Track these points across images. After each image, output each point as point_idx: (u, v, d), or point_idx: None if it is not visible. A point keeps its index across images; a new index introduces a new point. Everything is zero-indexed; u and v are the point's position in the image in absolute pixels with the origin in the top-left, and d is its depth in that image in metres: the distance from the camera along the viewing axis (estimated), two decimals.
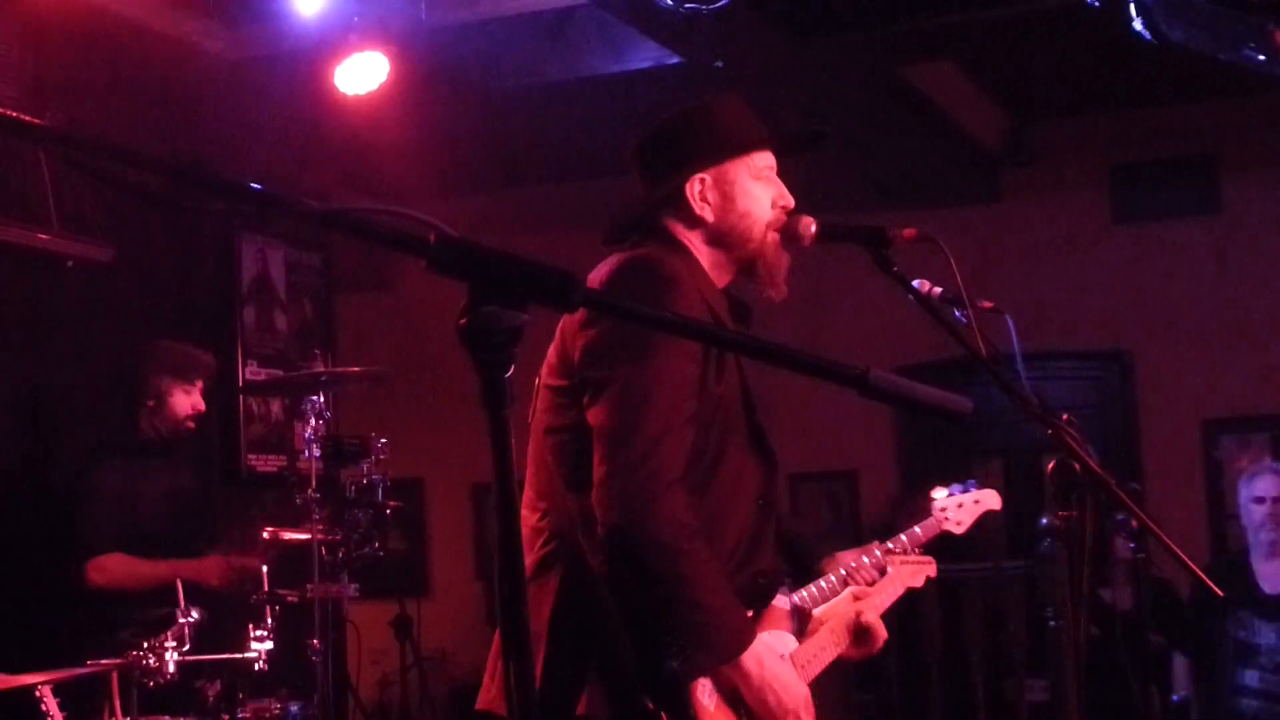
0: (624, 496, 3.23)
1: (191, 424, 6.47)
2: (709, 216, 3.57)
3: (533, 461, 3.50)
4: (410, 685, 9.42)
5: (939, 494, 4.35)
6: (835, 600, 3.75)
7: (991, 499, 4.40)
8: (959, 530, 4.33)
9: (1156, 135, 9.70)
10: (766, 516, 3.54)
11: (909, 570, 3.99)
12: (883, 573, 3.97)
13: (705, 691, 3.33)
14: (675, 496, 3.25)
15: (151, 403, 6.39)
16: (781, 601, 3.59)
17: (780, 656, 3.48)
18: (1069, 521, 4.34)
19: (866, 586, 3.85)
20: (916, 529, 4.22)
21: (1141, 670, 6.51)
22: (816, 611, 3.69)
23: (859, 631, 3.72)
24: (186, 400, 6.43)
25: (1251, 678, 6.87)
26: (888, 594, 3.90)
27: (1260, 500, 7.03)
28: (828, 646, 3.66)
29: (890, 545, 4.09)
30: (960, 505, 4.33)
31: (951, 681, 8.64)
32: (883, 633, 3.76)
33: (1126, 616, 7.18)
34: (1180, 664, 7.53)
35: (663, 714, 3.25)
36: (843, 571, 3.89)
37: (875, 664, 8.07)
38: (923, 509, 4.31)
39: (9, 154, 6.57)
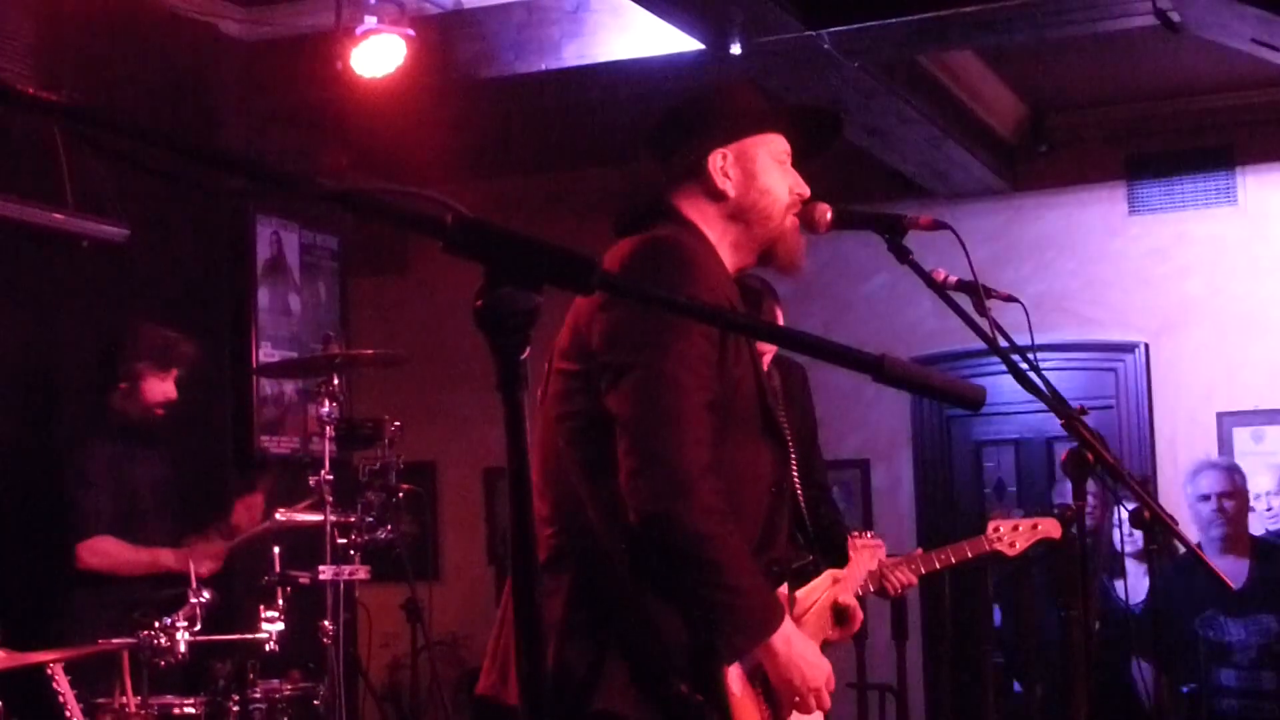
0: (659, 486, 3.21)
1: (161, 410, 6.41)
2: (730, 191, 3.55)
3: (541, 447, 3.45)
4: (421, 668, 9.42)
5: (999, 518, 4.43)
6: (815, 582, 3.78)
7: (1051, 527, 4.46)
8: (1011, 552, 4.41)
9: (1174, 126, 9.67)
10: (780, 503, 3.54)
11: (867, 553, 4.05)
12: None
13: (731, 675, 3.34)
14: (709, 483, 3.24)
15: (125, 385, 6.35)
16: (782, 589, 3.61)
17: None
18: (1081, 512, 4.35)
19: (842, 571, 3.90)
20: (964, 544, 4.29)
21: (1153, 661, 6.50)
22: (799, 593, 3.71)
23: (839, 612, 3.76)
24: (160, 386, 6.37)
25: (1229, 677, 6.84)
26: (855, 577, 3.95)
27: (1206, 498, 7.02)
28: (817, 632, 3.69)
29: (934, 556, 4.16)
30: (1016, 528, 4.41)
31: (963, 670, 8.64)
32: (860, 614, 3.79)
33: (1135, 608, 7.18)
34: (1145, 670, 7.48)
35: (698, 697, 3.25)
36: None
37: (890, 653, 8.09)
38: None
39: (25, 133, 6.58)
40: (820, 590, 3.77)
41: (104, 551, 6.16)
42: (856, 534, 4.11)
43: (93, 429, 6.40)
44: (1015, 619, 7.95)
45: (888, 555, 4.41)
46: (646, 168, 3.72)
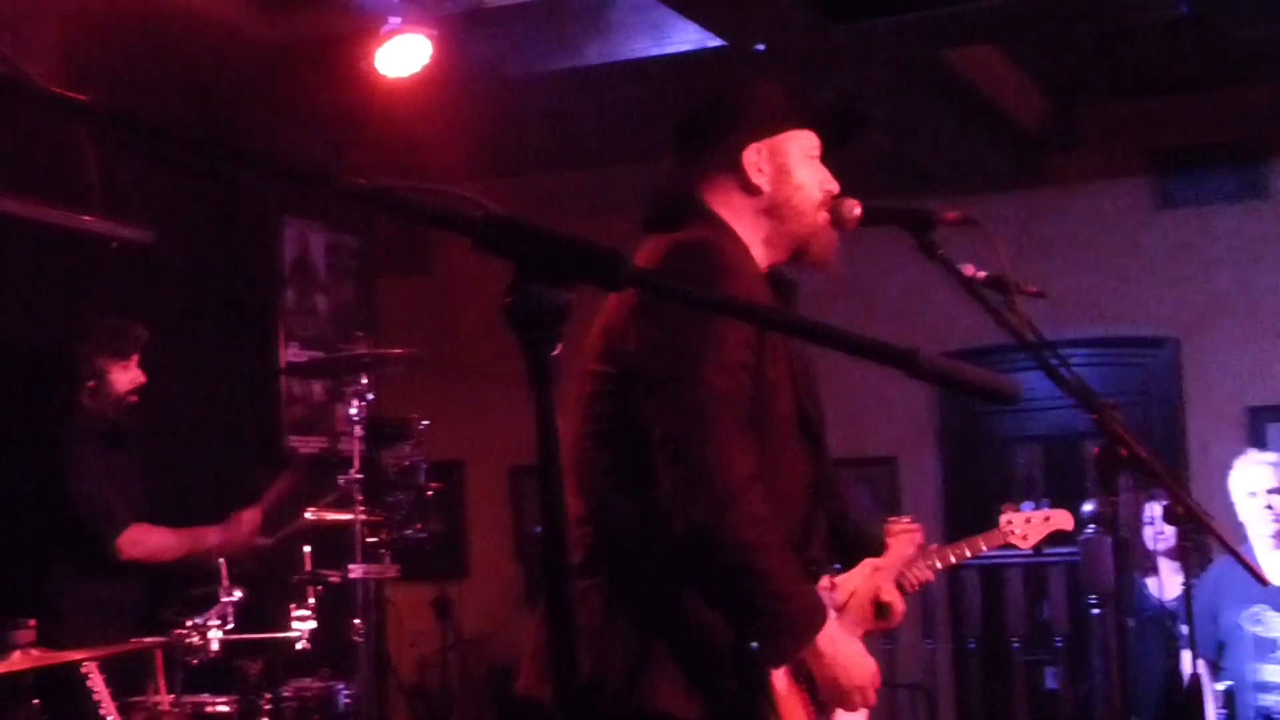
0: (706, 498, 3.20)
1: (134, 398, 6.34)
2: (765, 186, 3.55)
3: (573, 449, 3.42)
4: (450, 666, 9.45)
5: (1010, 511, 4.41)
6: (853, 571, 3.77)
7: (1063, 519, 4.45)
8: (1025, 545, 4.39)
9: (1202, 120, 9.63)
10: (816, 504, 3.53)
11: (905, 538, 4.02)
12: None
13: (776, 672, 3.34)
14: (754, 492, 3.23)
15: (91, 383, 6.26)
16: (823, 582, 3.60)
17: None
18: (1114, 508, 4.34)
19: (881, 560, 3.87)
20: (979, 538, 4.27)
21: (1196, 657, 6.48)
22: (838, 580, 3.70)
23: (879, 607, 3.74)
24: (125, 375, 6.30)
25: (1274, 673, 6.80)
26: (894, 564, 3.92)
27: (1253, 494, 6.96)
28: (858, 623, 3.67)
29: (949, 550, 4.13)
30: (1029, 520, 4.39)
31: (993, 667, 8.63)
32: (901, 606, 3.77)
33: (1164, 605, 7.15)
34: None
35: (748, 694, 3.25)
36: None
37: (919, 649, 8.09)
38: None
39: (53, 136, 6.60)
40: (858, 579, 3.75)
41: (141, 540, 6.14)
42: (893, 520, 4.08)
43: (72, 432, 6.29)
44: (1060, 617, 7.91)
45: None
46: (672, 164, 3.71)
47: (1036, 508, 4.44)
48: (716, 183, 3.58)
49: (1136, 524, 7.54)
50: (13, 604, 4.98)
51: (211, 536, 6.26)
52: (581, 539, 3.35)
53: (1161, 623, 7.23)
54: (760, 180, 3.55)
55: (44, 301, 6.77)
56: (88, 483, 6.15)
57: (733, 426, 3.24)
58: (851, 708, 3.46)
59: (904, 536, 4.00)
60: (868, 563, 3.79)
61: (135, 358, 6.34)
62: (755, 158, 3.55)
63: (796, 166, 3.58)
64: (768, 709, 3.29)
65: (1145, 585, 7.31)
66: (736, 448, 3.23)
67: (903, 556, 3.95)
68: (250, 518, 6.40)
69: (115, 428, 6.37)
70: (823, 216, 3.59)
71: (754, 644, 3.27)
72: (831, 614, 3.45)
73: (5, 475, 6.35)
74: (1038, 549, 4.46)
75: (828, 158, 3.68)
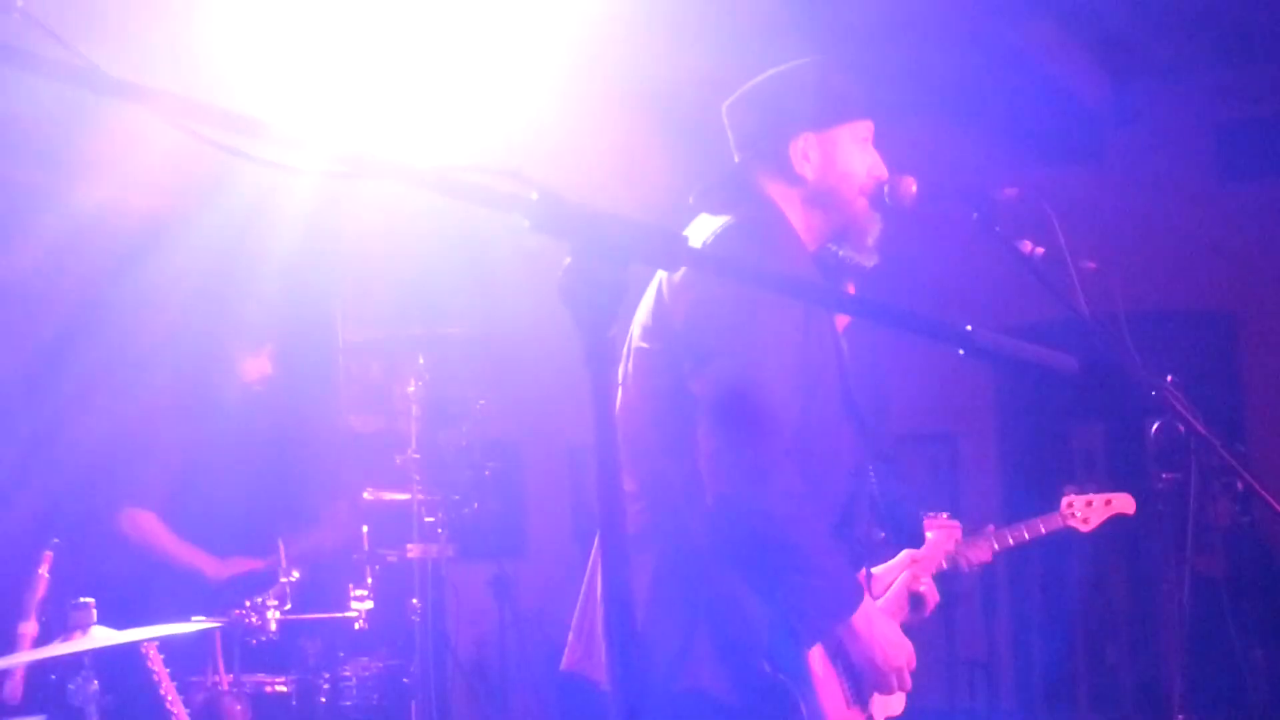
0: (739, 469, 3.22)
1: (259, 387, 6.52)
2: (810, 175, 3.56)
3: (625, 426, 3.44)
4: (508, 645, 9.47)
5: (1072, 493, 4.41)
6: (892, 563, 3.76)
7: (1124, 503, 4.45)
8: (1085, 528, 4.40)
9: (1263, 92, 9.52)
10: (860, 484, 3.53)
11: (943, 534, 4.01)
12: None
13: (813, 655, 3.34)
14: (788, 467, 3.24)
15: (222, 365, 6.45)
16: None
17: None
18: (1173, 485, 4.32)
19: (919, 552, 3.87)
20: (1038, 520, 4.27)
21: (1244, 634, 6.44)
22: (876, 571, 3.70)
23: (914, 598, 3.74)
24: (254, 364, 6.48)
25: None
26: (932, 559, 3.91)
27: None
28: (893, 613, 3.67)
29: (1008, 532, 4.14)
30: (1090, 503, 4.39)
31: (1053, 644, 8.60)
32: (934, 598, 3.77)
33: (1222, 582, 7.10)
34: None
35: (781, 676, 3.25)
36: (930, 536, 3.93)
37: (979, 627, 8.06)
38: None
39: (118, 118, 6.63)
40: (897, 571, 3.76)
41: (139, 526, 6.18)
42: (932, 515, 4.08)
43: (170, 407, 6.42)
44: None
45: (964, 531, 4.40)
46: (725, 144, 3.72)
47: (1099, 491, 4.44)
48: (766, 167, 3.59)
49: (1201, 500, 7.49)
50: (73, 583, 5.02)
51: (206, 566, 6.25)
52: (634, 515, 3.37)
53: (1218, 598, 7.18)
54: (805, 170, 3.56)
55: (108, 279, 6.80)
56: (144, 454, 6.22)
57: (772, 401, 3.26)
58: (889, 691, 3.46)
59: (943, 532, 4.01)
60: (906, 554, 3.80)
61: (269, 349, 6.47)
62: (803, 145, 3.56)
63: (844, 155, 3.58)
64: (802, 692, 3.28)
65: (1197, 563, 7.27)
66: (773, 422, 3.25)
67: (942, 550, 3.96)
68: (246, 568, 6.36)
69: (242, 407, 6.48)
70: (862, 202, 3.59)
71: (785, 625, 3.27)
72: (868, 595, 3.44)
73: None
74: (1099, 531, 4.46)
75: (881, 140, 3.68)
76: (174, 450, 6.30)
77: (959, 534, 4.08)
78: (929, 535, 3.98)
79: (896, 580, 3.74)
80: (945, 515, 4.09)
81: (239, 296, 6.78)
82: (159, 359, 6.60)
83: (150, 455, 6.27)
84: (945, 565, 4.02)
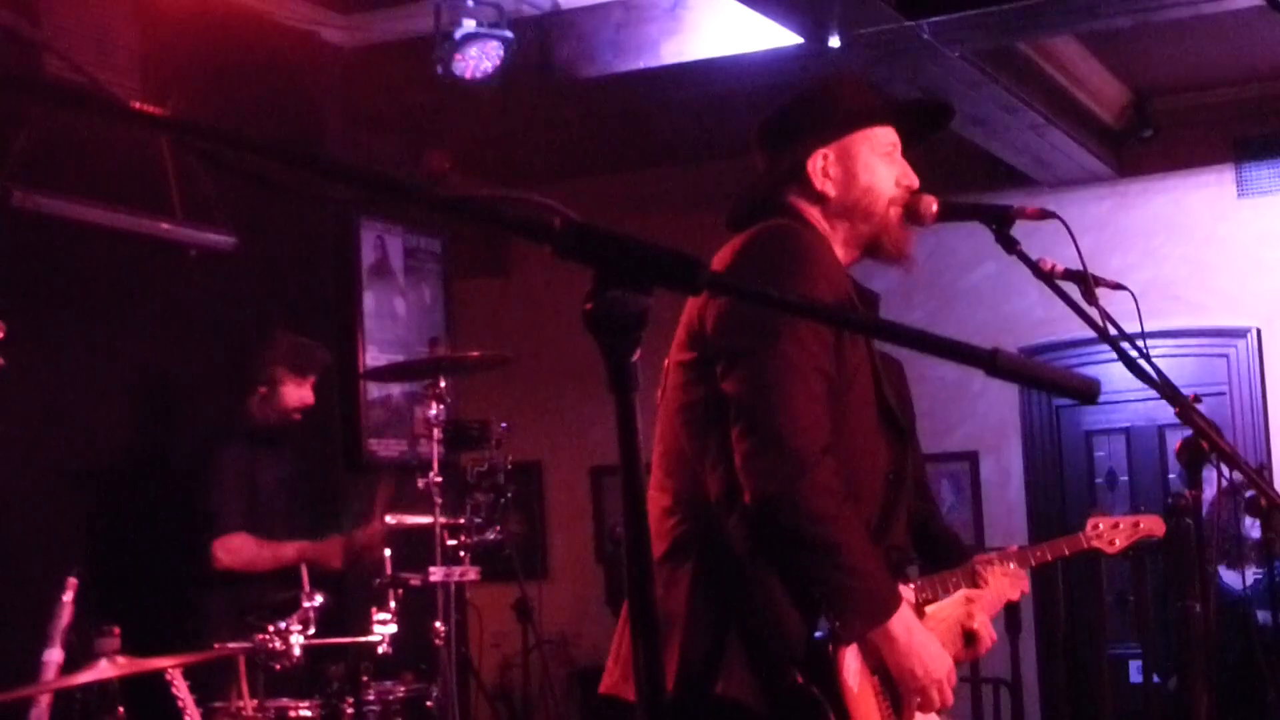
0: (776, 467, 3.20)
1: (298, 415, 6.60)
2: (831, 191, 3.55)
3: (662, 441, 3.47)
4: (531, 667, 9.47)
5: (1099, 516, 4.38)
6: (948, 600, 3.74)
7: (1153, 524, 4.42)
8: (1112, 550, 4.36)
9: None
10: (898, 492, 3.51)
11: (1006, 583, 3.97)
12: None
13: (849, 671, 3.31)
14: (826, 464, 3.23)
15: (264, 390, 6.54)
16: (906, 592, 3.55)
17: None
18: (1197, 501, 4.30)
19: (979, 589, 3.83)
20: (1062, 541, 4.25)
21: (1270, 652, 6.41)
22: (929, 610, 3.67)
23: (968, 635, 3.71)
24: (297, 392, 6.56)
25: None
26: (992, 604, 3.88)
27: None
28: (946, 646, 3.63)
29: (1029, 553, 4.10)
30: (1117, 525, 4.35)
31: (1076, 660, 8.56)
32: (989, 638, 3.74)
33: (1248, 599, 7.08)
34: None
35: (813, 688, 3.24)
36: (973, 569, 3.88)
37: (1003, 646, 8.02)
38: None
39: (132, 144, 6.66)
40: (952, 609, 3.72)
41: (237, 549, 6.29)
42: (984, 557, 4.03)
43: (223, 433, 6.52)
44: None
45: (986, 550, 4.37)
46: (749, 166, 3.72)
47: (1128, 514, 4.42)
48: (791, 188, 3.59)
49: (1227, 515, 7.47)
50: (99, 611, 5.03)
51: (292, 552, 6.33)
52: (671, 528, 3.36)
53: (1237, 610, 7.17)
54: (826, 186, 3.55)
55: (123, 309, 6.83)
56: (215, 481, 6.31)
57: (806, 398, 3.25)
58: (929, 705, 3.42)
59: (1007, 580, 3.95)
60: (963, 593, 3.77)
61: (313, 380, 6.54)
62: (822, 163, 3.55)
63: (864, 169, 3.56)
64: (835, 704, 3.27)
65: (1220, 574, 7.24)
66: (808, 419, 3.24)
67: (1004, 599, 3.91)
68: (334, 550, 6.46)
69: (272, 437, 6.56)
70: (894, 212, 3.58)
71: (824, 627, 3.26)
72: (907, 605, 3.42)
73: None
74: (1125, 554, 4.43)
75: (906, 150, 3.67)
76: (229, 469, 6.38)
77: (1026, 585, 4.05)
78: (987, 578, 3.92)
79: (949, 618, 3.71)
80: (1013, 565, 4.03)
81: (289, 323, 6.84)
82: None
83: (218, 480, 6.36)
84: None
